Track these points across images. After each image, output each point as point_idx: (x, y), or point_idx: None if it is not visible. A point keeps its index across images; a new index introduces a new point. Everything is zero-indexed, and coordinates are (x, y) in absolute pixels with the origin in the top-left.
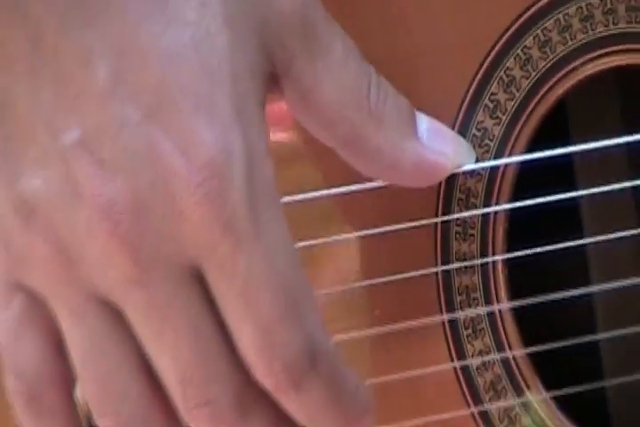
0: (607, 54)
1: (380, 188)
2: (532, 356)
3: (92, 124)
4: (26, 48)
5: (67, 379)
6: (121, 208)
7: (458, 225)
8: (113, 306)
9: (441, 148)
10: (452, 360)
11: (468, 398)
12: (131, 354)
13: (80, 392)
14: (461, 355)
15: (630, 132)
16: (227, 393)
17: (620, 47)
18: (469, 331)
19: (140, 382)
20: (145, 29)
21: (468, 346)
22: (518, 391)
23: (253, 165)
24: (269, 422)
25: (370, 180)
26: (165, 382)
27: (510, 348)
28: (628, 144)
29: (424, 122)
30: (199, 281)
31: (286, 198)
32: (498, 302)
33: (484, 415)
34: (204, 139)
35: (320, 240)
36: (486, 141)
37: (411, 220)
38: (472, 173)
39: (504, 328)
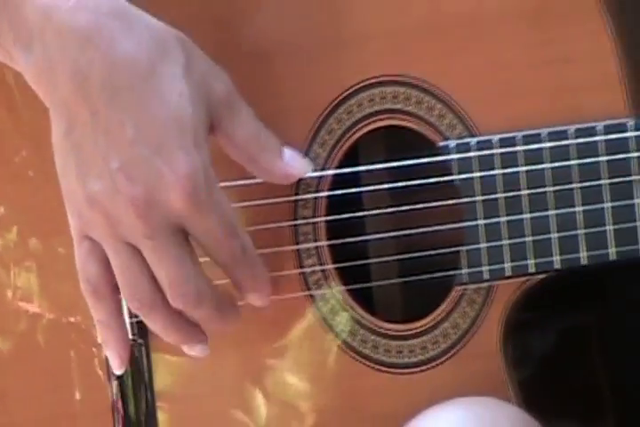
0: (378, 120)
1: (265, 183)
2: (334, 255)
3: (125, 157)
4: (89, 117)
5: (113, 283)
6: (140, 200)
7: (302, 203)
8: (135, 247)
9: (295, 164)
10: (296, 268)
11: (300, 279)
12: (144, 271)
13: None
14: (300, 260)
15: (391, 160)
16: (192, 290)
17: (385, 116)
18: (303, 245)
19: (148, 285)
20: (151, 108)
21: (303, 254)
22: (326, 276)
23: (207, 174)
24: (215, 304)
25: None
26: (162, 285)
27: (323, 251)
28: (388, 168)
29: (287, 151)
30: (182, 233)
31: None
32: (320, 239)
33: (304, 279)
34: (182, 163)
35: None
36: (317, 161)
37: (279, 197)
38: (310, 177)
39: (321, 241)
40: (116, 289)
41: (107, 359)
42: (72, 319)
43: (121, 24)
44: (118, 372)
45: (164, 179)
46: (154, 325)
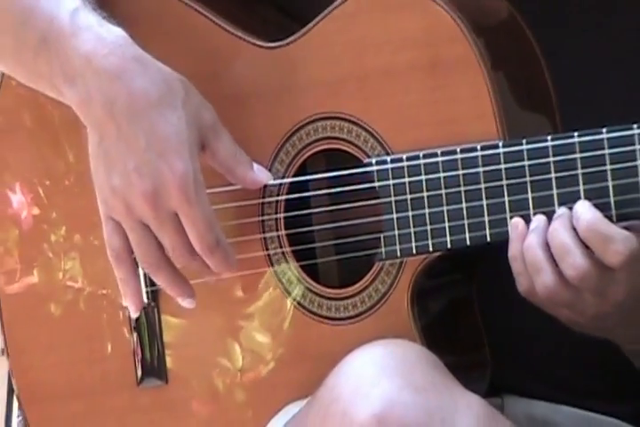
0: (321, 144)
1: (240, 189)
2: (290, 241)
3: (138, 160)
4: (114, 132)
5: (130, 251)
6: (148, 191)
7: (267, 203)
8: (145, 225)
9: (261, 174)
10: (263, 250)
11: (266, 259)
12: (152, 242)
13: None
14: (266, 244)
15: (330, 172)
16: (186, 253)
17: (325, 142)
18: (268, 234)
19: (155, 252)
20: (158, 126)
21: (268, 241)
22: (284, 256)
23: (196, 177)
24: (203, 262)
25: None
26: (166, 249)
27: (282, 239)
28: (328, 178)
29: (255, 165)
30: (177, 216)
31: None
32: (280, 230)
33: (269, 258)
34: (179, 166)
35: (216, 207)
36: (278, 174)
37: (250, 200)
38: (272, 185)
39: (280, 231)
40: (132, 255)
41: (129, 318)
42: (104, 291)
43: (139, 67)
44: (134, 315)
45: (165, 177)
46: (159, 280)
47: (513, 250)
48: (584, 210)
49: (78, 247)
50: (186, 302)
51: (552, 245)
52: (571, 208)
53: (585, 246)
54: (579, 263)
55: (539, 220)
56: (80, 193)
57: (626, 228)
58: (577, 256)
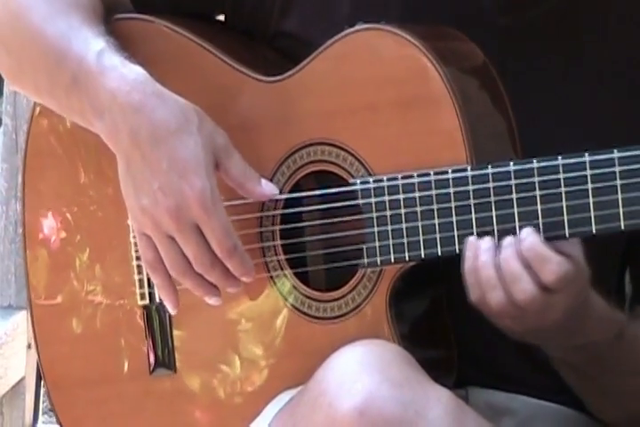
0: (312, 166)
1: (248, 203)
2: (284, 250)
3: (162, 181)
4: (139, 158)
5: (162, 261)
6: (172, 208)
7: (265, 217)
8: (172, 238)
9: (267, 188)
10: (261, 258)
11: (264, 266)
12: (178, 252)
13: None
14: (264, 253)
15: (321, 189)
16: (207, 261)
17: (316, 164)
18: (265, 244)
19: (182, 261)
20: (177, 151)
21: (265, 250)
22: (279, 263)
23: (213, 193)
24: (223, 271)
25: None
26: (189, 259)
27: (277, 248)
28: (319, 195)
29: (262, 180)
30: (198, 228)
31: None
32: (276, 240)
33: (266, 265)
34: (197, 183)
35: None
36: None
37: (251, 213)
38: (270, 201)
39: (276, 241)
40: (163, 264)
41: (143, 316)
42: (121, 302)
43: (158, 100)
44: (173, 312)
45: (186, 193)
46: (187, 284)
47: (468, 265)
48: (527, 235)
49: (99, 269)
50: (212, 301)
51: (504, 271)
52: (514, 234)
53: (533, 273)
54: (527, 288)
55: (488, 241)
56: (103, 217)
57: (565, 253)
58: (526, 282)
